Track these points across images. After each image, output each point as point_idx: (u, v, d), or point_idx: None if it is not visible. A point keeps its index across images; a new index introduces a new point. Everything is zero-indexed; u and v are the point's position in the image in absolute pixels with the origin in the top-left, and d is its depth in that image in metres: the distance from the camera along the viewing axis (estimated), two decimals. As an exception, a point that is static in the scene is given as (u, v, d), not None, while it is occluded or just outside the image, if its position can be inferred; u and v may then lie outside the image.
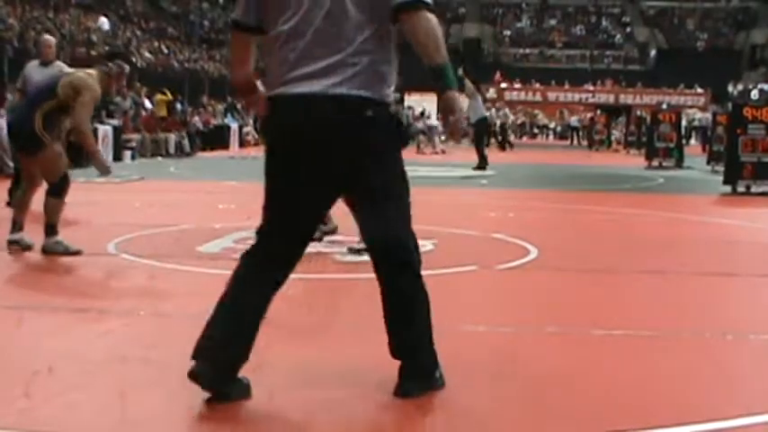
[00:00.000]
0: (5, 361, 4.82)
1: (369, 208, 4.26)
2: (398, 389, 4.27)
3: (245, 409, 4.16)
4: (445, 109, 4.18)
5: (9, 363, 4.77)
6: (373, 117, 4.07)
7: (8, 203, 11.38)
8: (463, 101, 29.80)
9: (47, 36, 14.83)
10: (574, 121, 52.38)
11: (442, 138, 35.08)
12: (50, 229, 8.26)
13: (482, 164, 23.51)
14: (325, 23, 4.03)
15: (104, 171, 8.50)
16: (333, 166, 4.12)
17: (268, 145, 4.27)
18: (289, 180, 4.17)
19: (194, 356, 4.11)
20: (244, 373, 4.20)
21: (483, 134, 24.71)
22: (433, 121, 36.77)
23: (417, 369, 4.34)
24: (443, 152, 34.20)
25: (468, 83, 24.00)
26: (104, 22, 39.04)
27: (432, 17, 4.05)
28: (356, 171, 4.14)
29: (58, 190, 8.27)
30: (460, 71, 24.03)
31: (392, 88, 4.19)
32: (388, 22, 4.08)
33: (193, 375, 4.08)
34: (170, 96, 31.77)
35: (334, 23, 4.03)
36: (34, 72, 12.38)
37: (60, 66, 11.98)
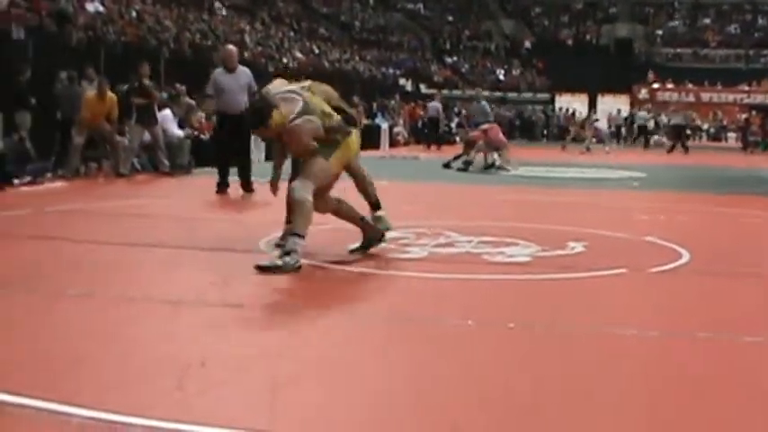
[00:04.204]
0: (161, 354, 4.95)
1: None
2: None
3: (394, 407, 4.20)
4: None
5: (165, 356, 4.89)
6: None
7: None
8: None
9: (231, 46, 15.49)
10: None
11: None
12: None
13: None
14: None
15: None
16: None
17: None
18: None
19: None
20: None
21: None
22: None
23: None
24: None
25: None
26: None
27: None
28: None
29: None
30: None
31: None
32: None
33: None
34: (320, 96, 32.14)
35: None
36: (223, 78, 14.05)
37: (245, 70, 14.10)
